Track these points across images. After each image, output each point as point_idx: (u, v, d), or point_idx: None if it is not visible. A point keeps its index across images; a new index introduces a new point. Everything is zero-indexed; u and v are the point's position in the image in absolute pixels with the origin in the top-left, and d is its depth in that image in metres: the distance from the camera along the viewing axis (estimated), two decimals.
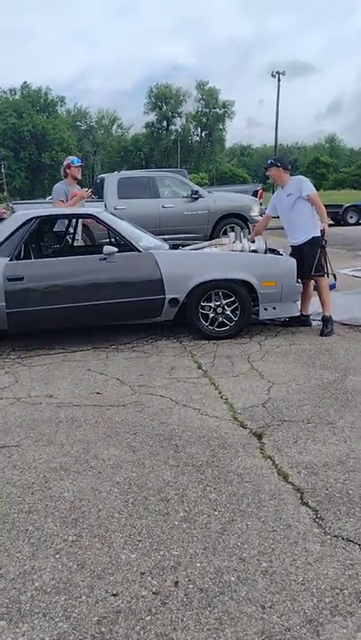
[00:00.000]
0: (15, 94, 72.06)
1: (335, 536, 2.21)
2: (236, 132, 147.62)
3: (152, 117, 78.92)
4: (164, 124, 79.38)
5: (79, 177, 6.51)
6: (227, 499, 2.51)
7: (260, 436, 3.12)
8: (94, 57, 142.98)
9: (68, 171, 6.48)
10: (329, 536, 2.22)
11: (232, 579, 2.00)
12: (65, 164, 6.57)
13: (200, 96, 78.27)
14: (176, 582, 1.99)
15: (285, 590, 1.93)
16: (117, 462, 2.89)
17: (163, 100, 77.64)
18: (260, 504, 2.45)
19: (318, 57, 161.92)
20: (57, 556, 2.16)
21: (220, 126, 79.77)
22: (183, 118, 79.44)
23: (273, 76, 39.62)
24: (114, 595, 1.94)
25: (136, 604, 1.90)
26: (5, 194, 42.21)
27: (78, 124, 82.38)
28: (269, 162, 5.45)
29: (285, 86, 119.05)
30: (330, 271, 5.28)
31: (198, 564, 2.08)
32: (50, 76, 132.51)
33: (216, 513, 2.40)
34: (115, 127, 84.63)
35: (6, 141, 65.22)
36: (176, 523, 2.34)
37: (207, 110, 78.50)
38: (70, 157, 6.68)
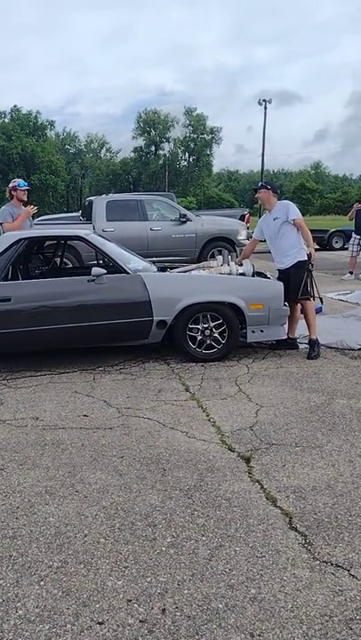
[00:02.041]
0: (5, 117, 72.68)
1: (324, 562, 2.19)
2: (224, 158, 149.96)
3: (140, 142, 79.89)
4: (153, 148, 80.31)
5: (25, 199, 6.52)
6: (215, 524, 2.48)
7: (248, 460, 3.10)
8: (84, 82, 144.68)
9: (13, 193, 6.48)
10: (318, 562, 2.19)
11: (220, 606, 1.96)
12: (11, 186, 6.54)
13: (188, 122, 79.49)
14: (163, 610, 1.95)
15: (274, 618, 1.90)
16: (104, 486, 2.84)
17: (151, 125, 78.67)
18: (248, 529, 2.43)
19: (306, 86, 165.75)
20: (41, 582, 2.11)
21: (208, 152, 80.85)
22: (171, 143, 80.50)
23: (260, 103, 40.42)
24: (99, 623, 1.89)
25: (122, 632, 1.85)
26: None
27: (67, 147, 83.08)
28: (260, 184, 5.56)
29: (274, 114, 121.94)
30: (316, 295, 5.33)
31: (186, 591, 2.04)
32: (40, 100, 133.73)
33: (204, 538, 2.37)
34: (103, 151, 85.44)
35: None
36: (163, 548, 2.31)
37: (195, 136, 79.62)
38: (17, 180, 6.66)
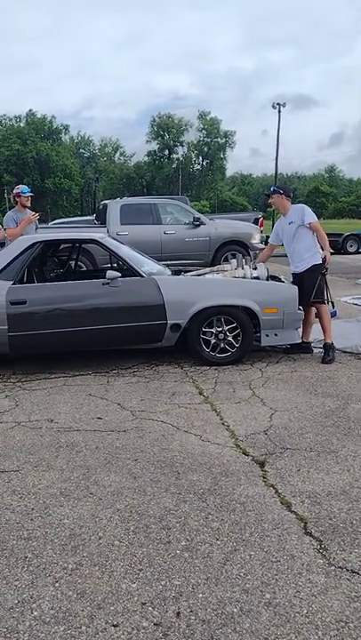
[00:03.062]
0: (20, 121, 73.41)
1: (340, 567, 2.18)
2: (239, 162, 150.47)
3: (154, 146, 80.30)
4: (166, 152, 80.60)
5: (28, 205, 6.66)
6: (229, 528, 2.47)
7: (262, 464, 3.09)
8: (99, 87, 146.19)
9: (17, 199, 6.62)
10: (333, 567, 2.18)
11: (235, 610, 1.95)
12: (15, 192, 6.69)
13: (202, 126, 79.68)
14: (178, 613, 1.95)
15: (290, 623, 1.89)
16: (118, 489, 2.85)
17: (165, 129, 78.99)
18: (263, 533, 2.42)
19: (321, 90, 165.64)
20: (56, 584, 2.12)
21: (222, 155, 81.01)
22: (185, 147, 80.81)
23: (274, 107, 40.35)
24: (114, 625, 1.89)
25: (137, 635, 1.85)
26: None
27: (81, 151, 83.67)
28: (272, 189, 5.51)
29: (289, 118, 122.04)
30: (330, 299, 5.29)
31: (200, 595, 2.04)
32: (55, 105, 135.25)
33: (218, 542, 2.36)
34: (117, 155, 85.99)
35: (10, 167, 66.23)
36: (178, 552, 2.30)
37: (209, 140, 79.83)
38: (20, 186, 6.78)
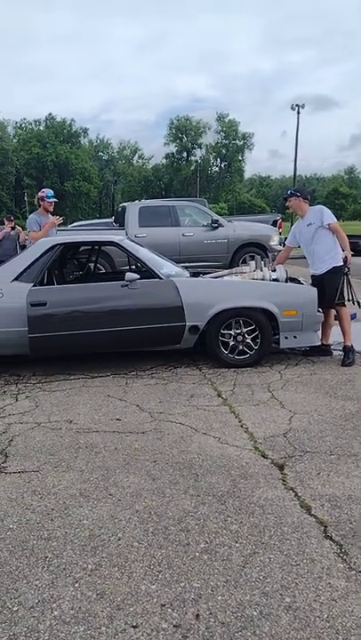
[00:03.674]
0: (40, 125, 74.15)
1: (360, 572, 2.15)
2: (257, 164, 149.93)
3: (172, 148, 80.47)
4: (184, 154, 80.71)
5: (51, 209, 6.72)
6: (248, 530, 2.46)
7: (281, 467, 3.07)
8: (118, 90, 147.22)
9: (41, 202, 6.68)
10: (354, 572, 2.16)
11: (254, 613, 1.95)
12: (39, 195, 6.76)
13: (220, 128, 79.65)
14: (197, 615, 1.94)
15: (310, 627, 1.88)
16: (137, 490, 2.86)
17: (183, 131, 79.12)
18: (282, 537, 2.40)
19: (341, 91, 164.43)
20: (76, 584, 2.13)
21: (240, 157, 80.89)
22: (203, 149, 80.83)
23: (293, 108, 40.17)
24: (134, 626, 1.90)
25: (156, 636, 1.85)
26: None
27: (100, 154, 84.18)
28: (289, 192, 5.49)
29: (309, 119, 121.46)
30: (355, 298, 5.22)
31: (220, 597, 2.03)
32: (74, 108, 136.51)
33: (237, 545, 2.36)
34: (136, 157, 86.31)
35: (30, 171, 67.01)
36: (197, 554, 2.30)
37: (227, 142, 79.76)
38: (45, 190, 6.84)
